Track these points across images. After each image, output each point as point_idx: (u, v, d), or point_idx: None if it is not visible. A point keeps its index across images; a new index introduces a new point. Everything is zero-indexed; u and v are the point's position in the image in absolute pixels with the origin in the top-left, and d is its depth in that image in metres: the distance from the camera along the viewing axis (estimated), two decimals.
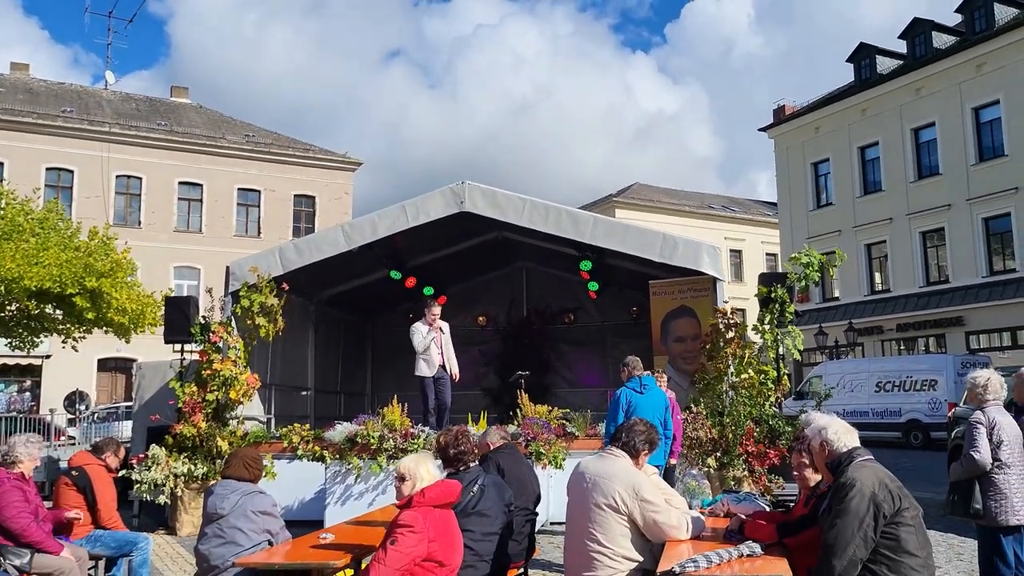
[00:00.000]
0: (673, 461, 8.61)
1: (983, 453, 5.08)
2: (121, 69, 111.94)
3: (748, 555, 3.82)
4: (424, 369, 10.64)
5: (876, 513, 3.43)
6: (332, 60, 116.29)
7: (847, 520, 3.42)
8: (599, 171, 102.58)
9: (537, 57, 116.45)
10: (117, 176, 33.81)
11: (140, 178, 34.25)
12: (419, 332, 10.66)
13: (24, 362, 29.02)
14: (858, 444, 3.77)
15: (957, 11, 30.87)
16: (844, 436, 3.77)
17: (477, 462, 4.90)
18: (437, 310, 10.90)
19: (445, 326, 10.97)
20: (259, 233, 35.89)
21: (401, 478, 4.05)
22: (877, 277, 32.21)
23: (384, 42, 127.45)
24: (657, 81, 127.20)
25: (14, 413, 24.40)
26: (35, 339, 18.38)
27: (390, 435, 9.50)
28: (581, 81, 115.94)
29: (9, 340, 18.18)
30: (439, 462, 4.77)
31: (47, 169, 32.25)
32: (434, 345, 10.64)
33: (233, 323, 10.72)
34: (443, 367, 10.73)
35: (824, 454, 3.81)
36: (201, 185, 35.45)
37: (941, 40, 30.91)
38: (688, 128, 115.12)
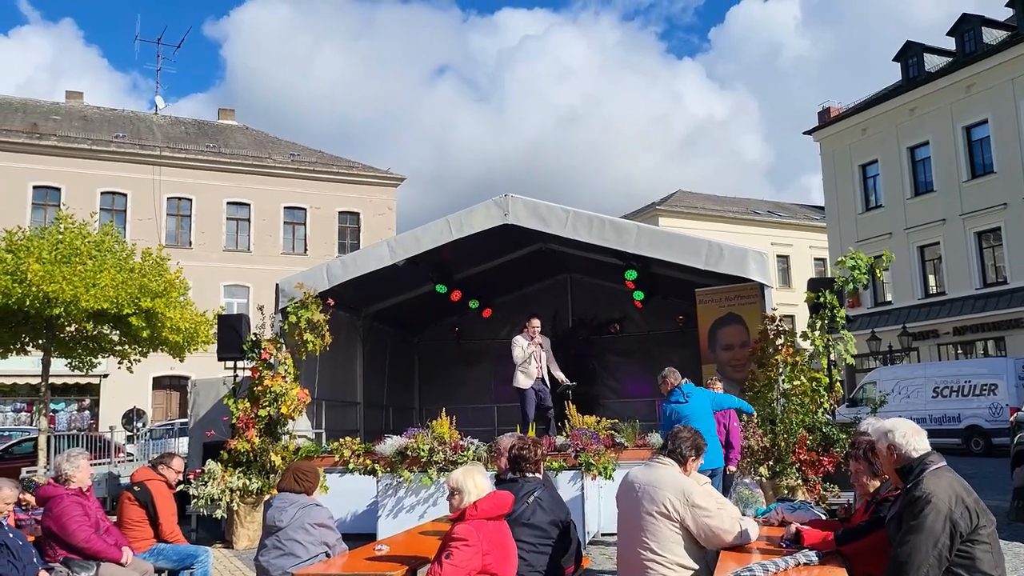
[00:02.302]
0: (732, 468, 8.59)
1: None
2: (178, 92, 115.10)
3: (805, 563, 3.76)
4: (522, 381, 11.17)
5: (952, 532, 3.24)
6: (382, 78, 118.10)
7: (921, 538, 3.23)
8: (649, 179, 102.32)
9: (584, 67, 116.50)
10: (168, 198, 34.74)
11: (190, 199, 35.13)
12: (520, 345, 11.18)
13: (83, 381, 29.85)
14: (928, 447, 3.54)
15: (1008, 5, 30.13)
16: (913, 439, 3.53)
17: (539, 474, 4.87)
18: (537, 324, 11.36)
19: (545, 340, 11.47)
20: (305, 250, 36.49)
21: (452, 492, 4.09)
22: (931, 279, 31.44)
23: (432, 58, 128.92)
24: (705, 87, 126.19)
25: (75, 431, 25.14)
26: (93, 359, 18.90)
27: (440, 448, 9.56)
28: (629, 90, 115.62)
29: (69, 361, 18.72)
30: (491, 473, 4.79)
31: (102, 193, 33.31)
32: (533, 358, 11.13)
33: (282, 339, 10.92)
34: (542, 380, 11.26)
35: (892, 459, 3.58)
36: (249, 204, 36.22)
37: (992, 35, 30.17)
38: (738, 134, 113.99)
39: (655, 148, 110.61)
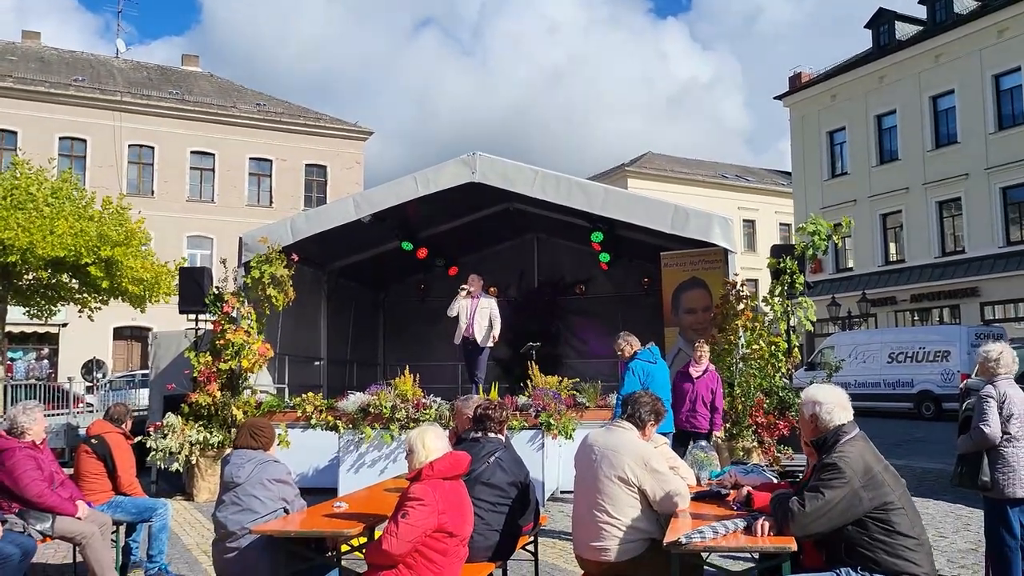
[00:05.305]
0: (718, 433, 8.84)
1: (993, 427, 5.09)
2: (151, 35, 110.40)
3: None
4: (455, 336, 11.39)
5: (855, 502, 3.42)
6: (363, 29, 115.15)
7: (825, 500, 3.42)
8: (633, 140, 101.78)
9: (570, 24, 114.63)
10: (129, 145, 33.87)
11: (152, 147, 34.30)
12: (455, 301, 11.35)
13: (42, 330, 29.36)
14: (849, 420, 3.67)
15: None
16: (837, 415, 3.66)
17: (502, 435, 4.93)
18: (472, 279, 11.50)
19: (487, 300, 11.57)
20: (271, 203, 35.96)
21: (408, 451, 4.13)
22: (892, 247, 31.98)
23: (416, 10, 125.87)
24: (688, 49, 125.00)
25: (33, 380, 24.76)
26: (52, 308, 18.59)
27: (402, 405, 9.61)
28: (613, 48, 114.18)
29: (27, 309, 18.39)
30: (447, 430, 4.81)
31: (60, 138, 32.34)
32: (462, 313, 11.24)
33: (245, 293, 10.82)
34: (473, 338, 11.30)
35: (811, 427, 3.73)
36: (213, 154, 35.47)
37: (962, 5, 30.34)
38: (720, 97, 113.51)
39: (639, 109, 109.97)
